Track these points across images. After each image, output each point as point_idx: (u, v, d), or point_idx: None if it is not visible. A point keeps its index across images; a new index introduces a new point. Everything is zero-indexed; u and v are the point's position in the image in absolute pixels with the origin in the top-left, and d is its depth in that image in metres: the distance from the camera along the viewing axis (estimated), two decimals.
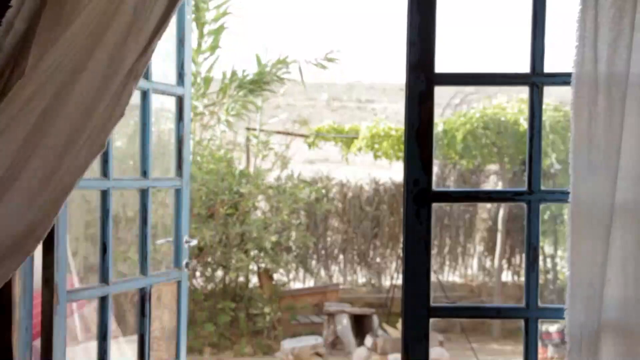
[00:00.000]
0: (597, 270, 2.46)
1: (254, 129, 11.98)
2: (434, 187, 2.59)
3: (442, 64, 2.61)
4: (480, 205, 13.15)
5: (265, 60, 11.30)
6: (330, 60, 11.49)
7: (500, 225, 12.50)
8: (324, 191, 12.35)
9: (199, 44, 10.72)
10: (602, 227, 2.45)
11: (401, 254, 10.17)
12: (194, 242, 4.04)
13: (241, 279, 11.16)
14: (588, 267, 2.46)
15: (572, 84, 2.43)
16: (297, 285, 12.50)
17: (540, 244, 2.63)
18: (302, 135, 13.10)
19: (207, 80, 10.92)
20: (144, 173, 3.61)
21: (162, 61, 4.07)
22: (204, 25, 10.69)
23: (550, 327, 10.51)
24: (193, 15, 10.20)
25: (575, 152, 2.45)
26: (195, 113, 10.68)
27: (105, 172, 3.31)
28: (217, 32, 10.74)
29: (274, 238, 10.75)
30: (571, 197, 2.46)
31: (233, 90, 10.91)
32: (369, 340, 10.10)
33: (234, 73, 11.07)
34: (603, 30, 2.40)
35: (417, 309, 2.57)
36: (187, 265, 3.96)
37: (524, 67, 2.62)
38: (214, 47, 10.81)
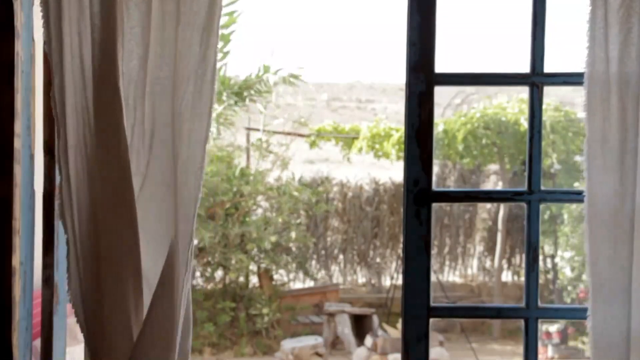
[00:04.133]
0: (621, 274, 2.40)
1: (256, 129, 11.99)
2: (434, 187, 2.58)
3: (442, 64, 2.61)
4: (480, 205, 13.15)
5: (271, 64, 11.32)
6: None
7: (500, 225, 12.51)
8: (324, 195, 12.36)
9: None
10: (624, 230, 2.40)
11: (401, 254, 10.18)
12: (194, 242, 4.04)
13: (241, 279, 11.17)
14: (611, 272, 2.40)
15: (585, 85, 2.41)
16: (297, 285, 12.51)
17: (540, 244, 2.62)
18: (302, 135, 13.11)
19: None
20: None
21: None
22: None
23: (550, 327, 10.52)
24: None
25: (589, 152, 2.42)
26: None
27: None
28: (226, 38, 10.72)
29: (273, 238, 10.75)
30: (586, 198, 2.42)
31: (225, 96, 10.92)
32: (369, 340, 10.11)
33: (228, 78, 11.07)
34: (613, 30, 2.39)
35: (417, 309, 2.57)
36: None
37: (524, 67, 2.62)
38: (225, 54, 10.79)
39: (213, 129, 10.70)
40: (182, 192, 2.39)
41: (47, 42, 2.38)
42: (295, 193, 11.24)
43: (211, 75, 2.39)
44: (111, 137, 2.33)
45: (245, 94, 11.05)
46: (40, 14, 2.40)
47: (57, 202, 2.43)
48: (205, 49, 2.38)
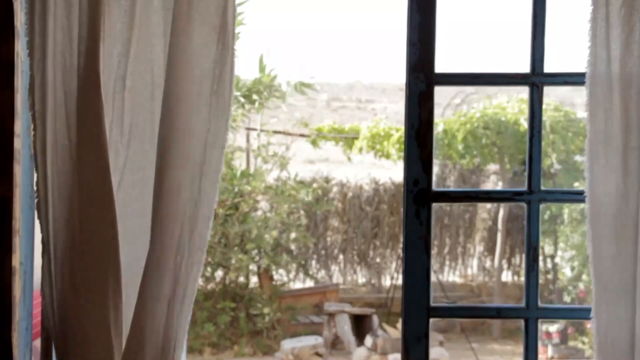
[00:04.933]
0: (625, 275, 2.39)
1: (254, 129, 11.99)
2: (434, 187, 2.58)
3: (442, 64, 2.61)
4: (480, 205, 13.15)
5: (267, 62, 11.32)
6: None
7: (500, 225, 12.51)
8: (320, 192, 12.36)
9: None
10: (627, 230, 2.39)
11: (401, 254, 10.19)
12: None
13: (241, 279, 11.17)
14: (614, 272, 2.39)
15: (586, 84, 2.41)
16: (296, 285, 12.51)
17: (540, 244, 2.60)
18: (302, 135, 13.12)
19: None
20: None
21: None
22: None
23: (550, 327, 10.52)
24: None
25: (591, 152, 2.41)
26: None
27: None
28: None
29: (274, 233, 10.75)
30: (588, 198, 2.41)
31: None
32: (369, 340, 10.11)
33: (237, 79, 11.07)
34: (615, 30, 2.39)
35: (417, 309, 2.57)
36: None
37: (524, 67, 2.61)
38: None
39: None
40: (189, 192, 2.36)
41: (29, 38, 2.35)
42: (293, 192, 11.24)
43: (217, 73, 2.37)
44: (92, 135, 2.30)
45: (255, 97, 11.06)
46: (24, 9, 2.38)
47: (35, 201, 2.38)
48: (221, 48, 2.34)
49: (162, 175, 2.32)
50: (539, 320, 2.62)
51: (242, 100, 10.96)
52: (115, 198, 2.31)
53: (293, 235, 11.55)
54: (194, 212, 2.35)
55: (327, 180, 12.87)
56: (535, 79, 2.58)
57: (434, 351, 9.15)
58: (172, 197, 2.32)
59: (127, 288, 2.34)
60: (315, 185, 12.22)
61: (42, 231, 2.36)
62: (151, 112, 2.37)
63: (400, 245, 12.36)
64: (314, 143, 13.00)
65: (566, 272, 11.35)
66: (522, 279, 8.39)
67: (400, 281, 11.58)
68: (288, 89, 11.32)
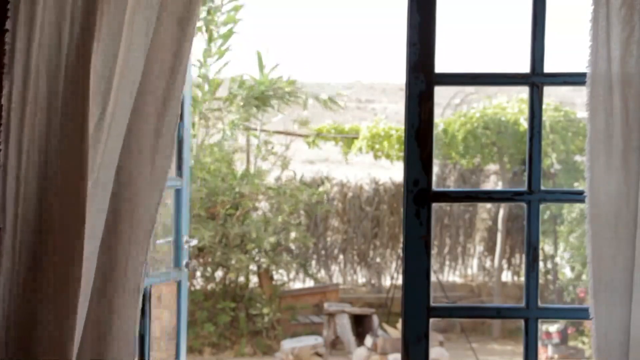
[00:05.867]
0: (624, 275, 2.39)
1: (255, 129, 11.98)
2: (434, 187, 2.59)
3: (442, 64, 2.61)
4: (480, 205, 13.15)
5: (266, 62, 11.31)
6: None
7: (500, 225, 12.50)
8: (325, 196, 12.36)
9: (209, 47, 10.66)
10: (627, 230, 2.39)
11: (401, 254, 10.17)
12: (194, 242, 4.04)
13: (241, 279, 11.16)
14: (614, 273, 2.39)
15: (587, 84, 2.41)
16: (297, 285, 12.51)
17: (540, 244, 2.59)
18: (302, 135, 13.11)
19: (216, 83, 10.91)
20: None
21: None
22: (213, 27, 10.64)
23: (550, 327, 10.51)
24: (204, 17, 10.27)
25: (592, 152, 2.41)
26: (200, 116, 10.70)
27: None
28: (227, 36, 10.70)
29: (272, 239, 10.75)
30: (588, 198, 2.41)
31: (239, 99, 10.90)
32: (369, 340, 10.10)
33: (242, 82, 11.06)
34: (615, 29, 2.39)
35: (417, 309, 2.57)
36: (187, 265, 3.96)
37: (524, 67, 2.62)
38: (223, 51, 10.78)
39: (229, 132, 10.73)
40: (144, 186, 2.38)
41: (11, 29, 2.31)
42: (296, 192, 11.23)
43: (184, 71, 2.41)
44: (75, 130, 2.30)
45: (273, 101, 11.08)
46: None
47: None
48: (182, 41, 2.39)
49: (126, 163, 2.39)
50: (539, 320, 2.62)
51: (256, 102, 10.96)
52: (88, 195, 2.32)
53: (293, 235, 11.54)
54: (157, 201, 2.40)
55: (327, 180, 12.86)
56: (535, 79, 2.58)
57: (434, 351, 9.15)
58: (140, 187, 2.38)
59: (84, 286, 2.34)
60: (321, 189, 12.18)
61: (4, 221, 2.32)
62: (130, 110, 2.39)
63: (400, 245, 12.35)
64: (312, 143, 12.99)
65: (566, 272, 11.35)
66: (522, 279, 8.38)
67: (400, 281, 11.57)
68: (315, 102, 11.37)
